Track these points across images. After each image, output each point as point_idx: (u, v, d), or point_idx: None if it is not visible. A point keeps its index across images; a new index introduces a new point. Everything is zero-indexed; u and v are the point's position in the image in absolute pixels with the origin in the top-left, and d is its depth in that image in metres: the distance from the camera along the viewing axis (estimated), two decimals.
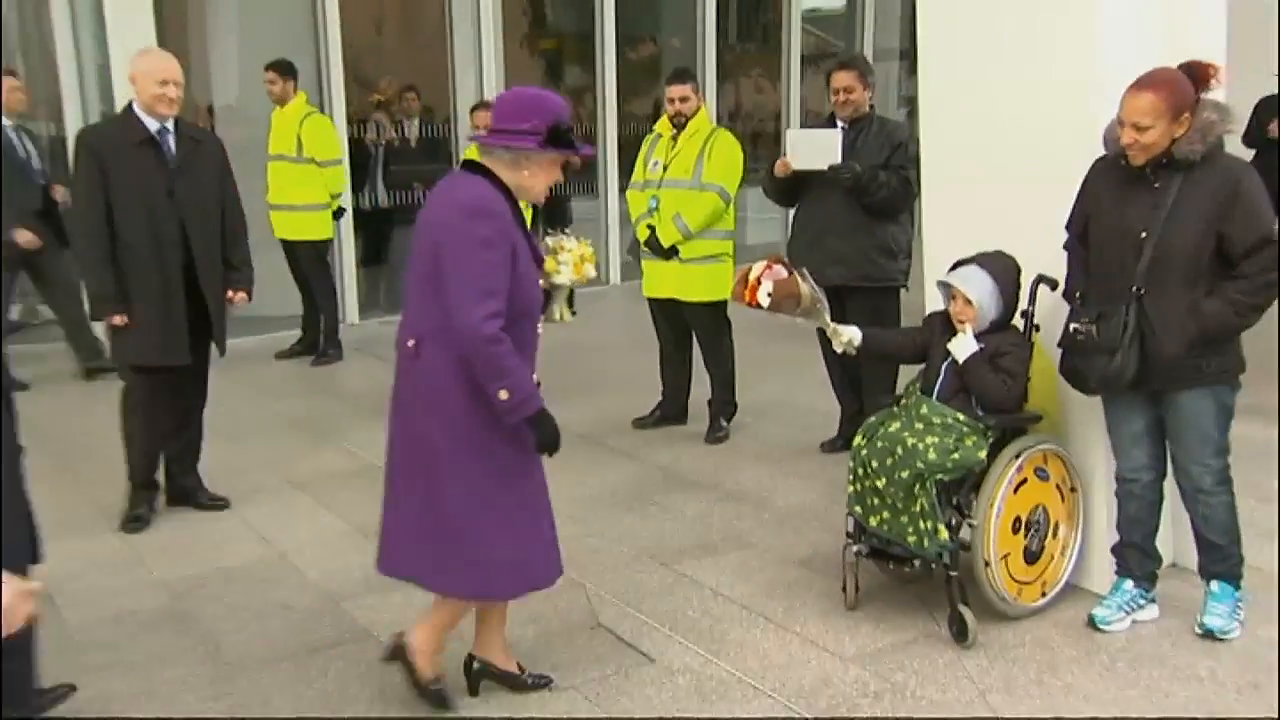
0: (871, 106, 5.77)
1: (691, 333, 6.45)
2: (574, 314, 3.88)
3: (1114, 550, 4.10)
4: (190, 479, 5.33)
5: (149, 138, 4.89)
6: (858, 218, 5.56)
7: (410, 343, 3.24)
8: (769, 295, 4.05)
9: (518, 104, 3.29)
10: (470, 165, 3.34)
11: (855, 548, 4.12)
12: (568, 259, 3.76)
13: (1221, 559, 3.92)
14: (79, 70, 8.82)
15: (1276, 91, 10.47)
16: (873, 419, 4.19)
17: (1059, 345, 3.92)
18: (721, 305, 6.25)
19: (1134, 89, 3.54)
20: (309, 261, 8.53)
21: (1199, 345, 3.62)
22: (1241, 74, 10.99)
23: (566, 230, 3.71)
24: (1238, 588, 3.96)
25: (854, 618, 4.11)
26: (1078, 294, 3.89)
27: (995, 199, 4.38)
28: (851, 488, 4.09)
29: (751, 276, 4.10)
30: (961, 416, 3.97)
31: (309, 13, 9.65)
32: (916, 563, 3.94)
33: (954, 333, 4.11)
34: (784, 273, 4.07)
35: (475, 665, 3.56)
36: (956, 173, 4.59)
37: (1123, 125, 3.57)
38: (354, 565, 4.58)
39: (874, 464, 3.97)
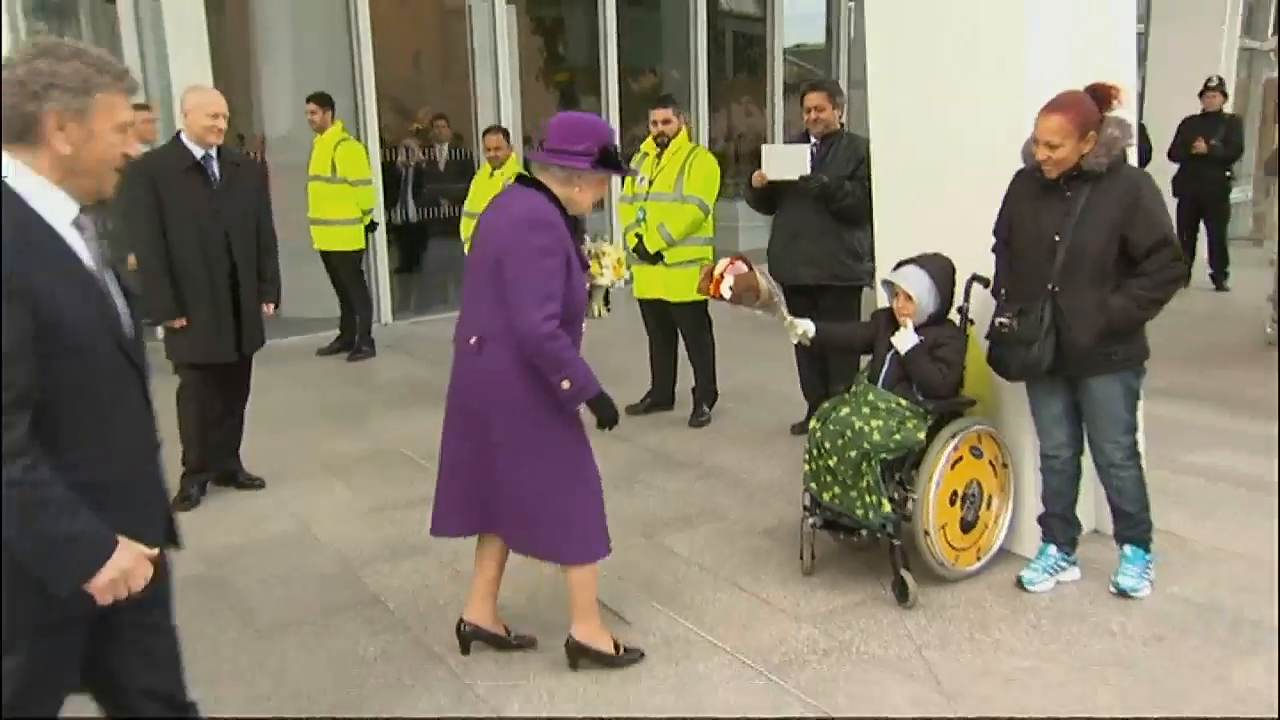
0: (841, 124, 5.67)
1: (677, 329, 6.37)
2: (609, 310, 3.86)
3: (1040, 519, 4.02)
4: (232, 461, 5.29)
5: (195, 163, 4.84)
6: (827, 223, 5.48)
7: (472, 340, 3.17)
8: (730, 289, 3.99)
9: (573, 127, 3.22)
10: (525, 180, 3.28)
11: (811, 520, 4.05)
12: (609, 262, 3.73)
13: (1133, 525, 3.86)
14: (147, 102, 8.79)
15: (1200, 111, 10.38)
16: (826, 404, 4.11)
17: (985, 337, 3.85)
18: (703, 304, 6.16)
19: (1045, 111, 3.48)
20: (344, 269, 8.45)
21: (1107, 336, 3.58)
22: (1166, 97, 11.01)
23: (587, 236, 3.66)
24: (1148, 551, 3.89)
25: (810, 582, 4.03)
26: (1003, 290, 3.82)
27: (936, 207, 4.32)
28: (807, 466, 4.01)
29: (716, 272, 4.06)
30: (904, 401, 3.90)
31: (347, 52, 9.60)
32: (863, 533, 3.87)
33: (897, 327, 4.04)
34: (744, 269, 4.03)
35: (466, 628, 3.49)
36: (903, 184, 4.52)
37: (1037, 143, 3.52)
38: (368, 537, 4.54)
39: (827, 445, 3.90)
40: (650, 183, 6.09)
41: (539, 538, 3.29)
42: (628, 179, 6.28)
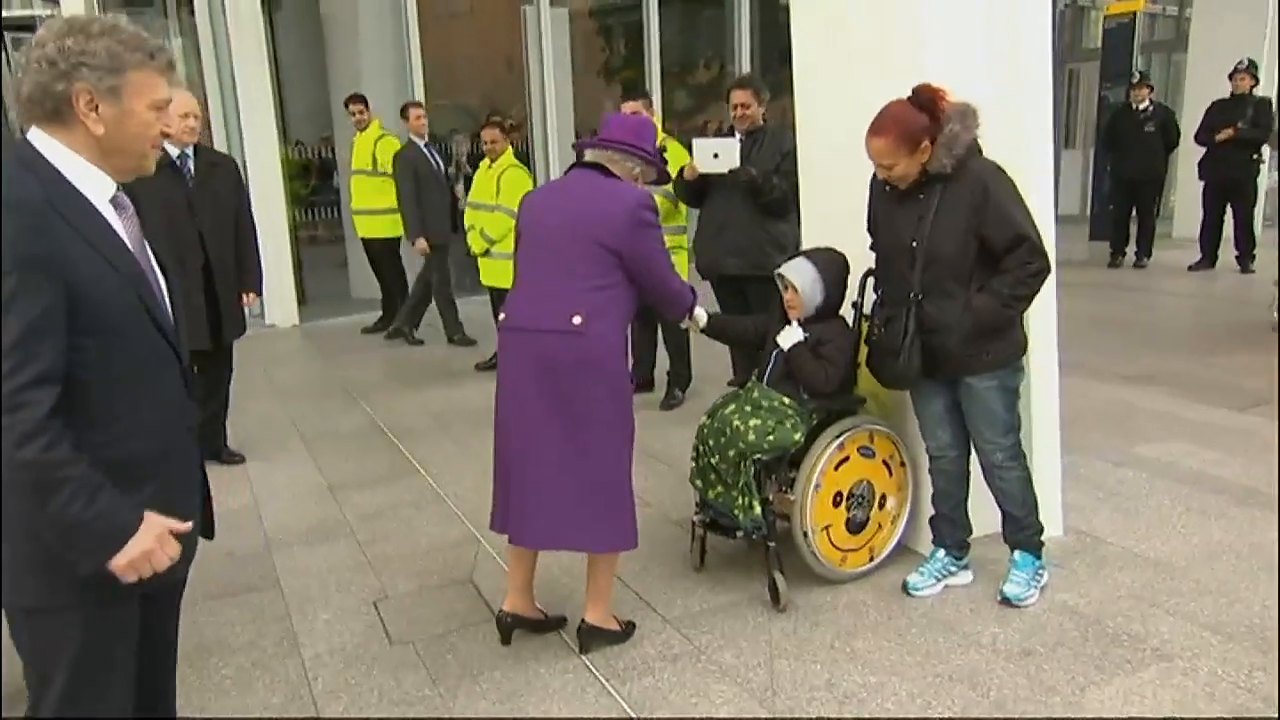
0: (765, 120, 5.19)
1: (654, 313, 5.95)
2: None
3: (930, 522, 3.51)
4: (216, 440, 5.10)
5: (171, 162, 4.63)
6: (753, 216, 5.07)
7: (577, 320, 2.84)
8: None
9: (642, 129, 3.12)
10: (593, 167, 3.04)
11: (698, 516, 3.62)
12: None
13: (1019, 528, 3.34)
14: (222, 105, 8.73)
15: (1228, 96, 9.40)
16: (718, 400, 3.66)
17: (864, 342, 3.37)
18: None
19: (869, 134, 3.02)
20: (383, 254, 8.31)
21: (977, 337, 3.06)
22: (1208, 82, 10.06)
23: None
24: (1038, 556, 3.36)
25: (696, 579, 3.60)
26: (880, 292, 3.33)
27: (853, 201, 3.81)
28: (693, 464, 3.58)
29: None
30: (787, 400, 3.43)
31: (401, 54, 9.43)
32: (739, 533, 3.43)
33: (789, 322, 3.57)
34: None
35: (507, 619, 3.17)
36: (824, 178, 4.04)
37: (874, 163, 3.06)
38: (304, 517, 4.28)
39: (710, 442, 3.46)
40: None
41: (610, 528, 2.98)
42: None
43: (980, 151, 3.04)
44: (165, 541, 1.72)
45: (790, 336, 3.47)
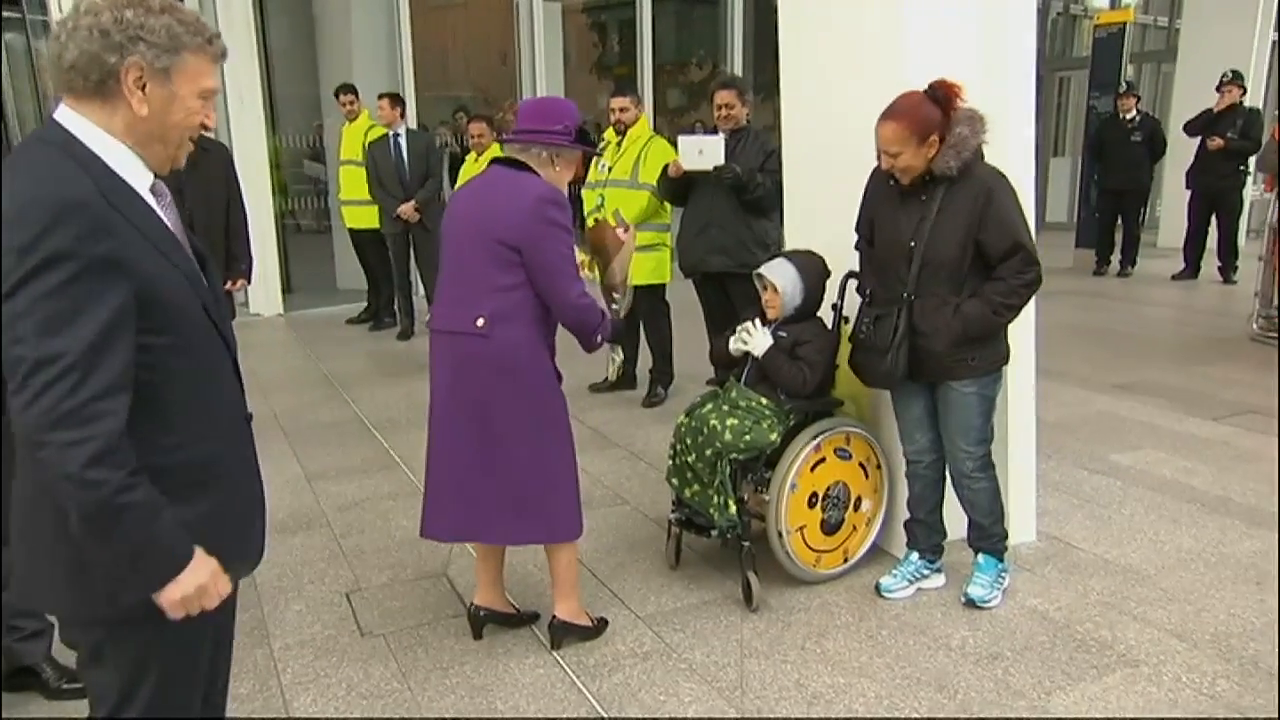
0: (748, 120, 5.19)
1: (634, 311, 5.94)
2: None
3: (905, 525, 3.52)
4: None
5: None
6: (737, 214, 5.09)
7: (479, 322, 2.79)
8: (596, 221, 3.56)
9: (549, 108, 2.96)
10: (509, 163, 2.91)
11: (674, 515, 3.63)
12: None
13: (984, 536, 3.37)
14: None
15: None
16: (696, 399, 3.67)
17: (849, 340, 3.37)
18: (659, 288, 5.81)
19: (881, 119, 2.98)
20: (369, 246, 8.27)
21: (963, 342, 3.06)
22: (1197, 91, 10.07)
23: None
24: (1001, 560, 3.39)
25: (672, 577, 3.61)
26: (868, 292, 3.32)
27: (834, 200, 3.82)
28: (670, 462, 3.58)
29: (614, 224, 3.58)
30: (765, 401, 3.44)
31: (394, 49, 9.39)
32: (714, 532, 3.44)
33: (768, 322, 3.58)
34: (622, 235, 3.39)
35: (480, 613, 3.19)
36: (806, 177, 4.06)
37: (879, 151, 3.03)
38: (279, 508, 4.26)
39: (688, 441, 3.47)
40: (610, 169, 5.69)
41: (536, 524, 2.97)
42: (593, 165, 5.87)
43: (984, 157, 3.04)
44: (218, 579, 1.63)
45: (760, 344, 3.47)
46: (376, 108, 7.63)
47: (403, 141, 7.54)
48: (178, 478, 1.59)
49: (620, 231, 3.32)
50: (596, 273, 3.31)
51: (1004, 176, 3.05)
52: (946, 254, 3.03)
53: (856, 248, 3.38)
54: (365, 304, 8.52)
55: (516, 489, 2.89)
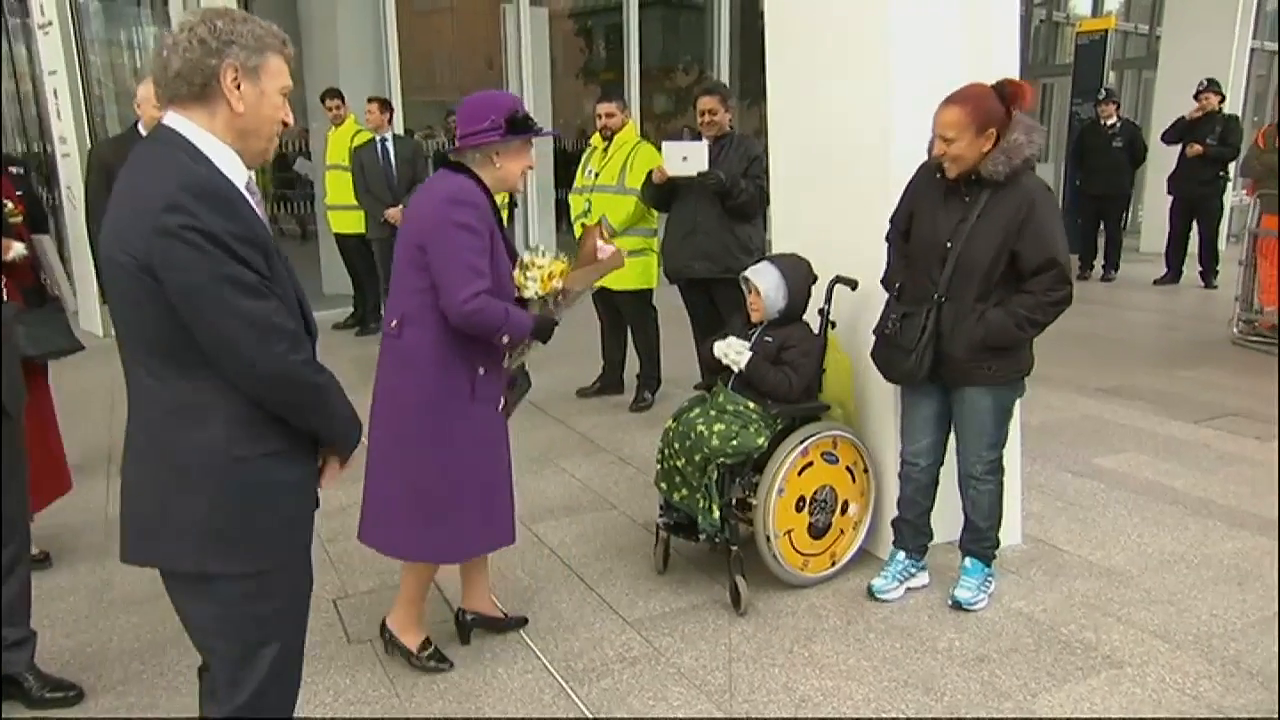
0: (731, 126, 5.22)
1: (621, 315, 5.95)
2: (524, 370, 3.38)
3: (892, 524, 3.54)
4: None
5: None
6: (720, 219, 5.11)
7: (393, 323, 2.80)
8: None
9: (475, 107, 2.87)
10: (448, 165, 2.89)
11: (662, 519, 3.63)
12: (536, 274, 3.05)
13: (978, 540, 3.38)
14: None
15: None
16: (684, 403, 3.68)
17: (873, 332, 3.36)
18: (646, 293, 5.81)
19: (944, 103, 2.98)
20: (355, 250, 8.25)
21: (982, 350, 3.07)
22: (1176, 99, 10.15)
23: (542, 248, 3.08)
24: (988, 565, 3.41)
25: (659, 582, 3.62)
26: (896, 285, 3.31)
27: (819, 205, 3.89)
28: (659, 466, 3.59)
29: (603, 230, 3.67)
30: (752, 405, 3.45)
31: (380, 53, 9.39)
32: (702, 536, 3.44)
33: (754, 326, 3.59)
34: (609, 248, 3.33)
35: (468, 617, 3.19)
36: (792, 183, 4.11)
37: (935, 136, 3.02)
38: None
39: (676, 445, 3.48)
40: (596, 175, 5.69)
41: (408, 536, 2.88)
42: (579, 171, 5.88)
43: (1034, 169, 3.05)
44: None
45: (744, 358, 3.47)
46: (365, 112, 7.59)
47: (390, 146, 7.51)
48: (293, 442, 1.93)
49: (609, 251, 3.25)
50: (532, 286, 3.03)
51: (1049, 191, 3.05)
52: (980, 259, 3.02)
53: (887, 239, 3.37)
54: (351, 309, 8.49)
55: (419, 496, 2.82)
